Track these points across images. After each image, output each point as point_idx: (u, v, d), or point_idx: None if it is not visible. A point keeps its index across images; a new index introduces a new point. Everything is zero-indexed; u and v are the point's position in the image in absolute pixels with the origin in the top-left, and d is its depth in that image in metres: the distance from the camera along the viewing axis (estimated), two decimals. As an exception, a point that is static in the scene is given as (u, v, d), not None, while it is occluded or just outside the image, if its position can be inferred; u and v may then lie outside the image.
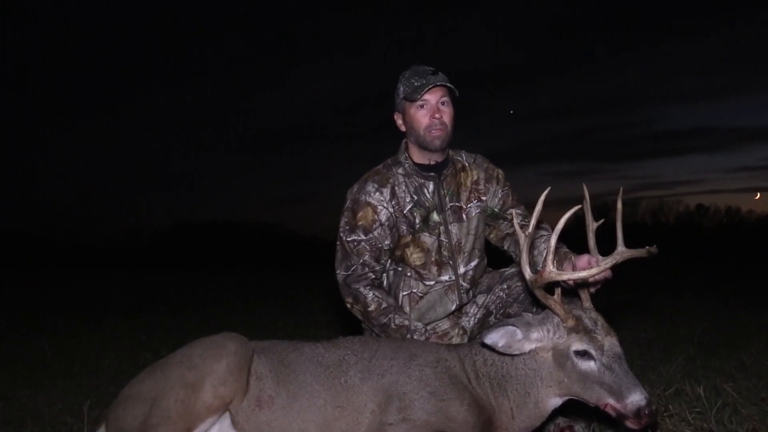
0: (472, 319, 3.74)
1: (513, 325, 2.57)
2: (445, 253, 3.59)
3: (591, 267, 2.80)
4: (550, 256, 2.50)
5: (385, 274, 3.66)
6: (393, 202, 3.53)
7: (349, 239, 3.52)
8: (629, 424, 2.42)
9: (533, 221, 2.54)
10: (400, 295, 3.60)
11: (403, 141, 3.70)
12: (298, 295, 11.09)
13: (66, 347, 6.23)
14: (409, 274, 3.59)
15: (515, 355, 2.63)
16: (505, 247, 3.76)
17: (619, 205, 2.76)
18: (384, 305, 3.43)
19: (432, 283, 3.59)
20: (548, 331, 2.59)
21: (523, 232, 2.61)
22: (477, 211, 3.66)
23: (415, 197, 3.56)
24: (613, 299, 8.08)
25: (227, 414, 2.65)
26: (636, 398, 2.39)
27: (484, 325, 3.64)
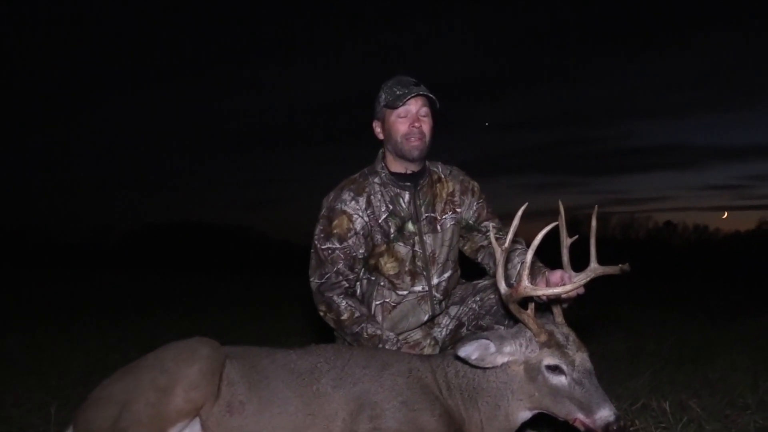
0: (444, 330, 3.76)
1: (486, 338, 2.59)
2: (419, 263, 3.60)
3: (564, 283, 2.86)
4: (526, 272, 2.52)
5: (358, 283, 3.67)
6: (368, 211, 3.54)
7: (323, 247, 3.52)
8: (597, 439, 2.45)
9: (510, 236, 2.57)
10: (373, 304, 3.60)
11: (381, 150, 3.71)
12: (269, 300, 11.01)
13: (34, 347, 6.12)
14: (382, 283, 3.60)
15: (487, 368, 2.65)
16: (479, 260, 3.77)
17: (593, 223, 2.81)
18: (357, 314, 3.44)
19: (405, 293, 3.61)
20: (521, 345, 2.62)
21: (499, 246, 2.62)
22: (451, 222, 3.68)
23: (391, 207, 3.57)
24: (583, 311, 8.18)
25: (197, 419, 2.64)
26: (605, 414, 2.42)
27: (456, 336, 3.67)
